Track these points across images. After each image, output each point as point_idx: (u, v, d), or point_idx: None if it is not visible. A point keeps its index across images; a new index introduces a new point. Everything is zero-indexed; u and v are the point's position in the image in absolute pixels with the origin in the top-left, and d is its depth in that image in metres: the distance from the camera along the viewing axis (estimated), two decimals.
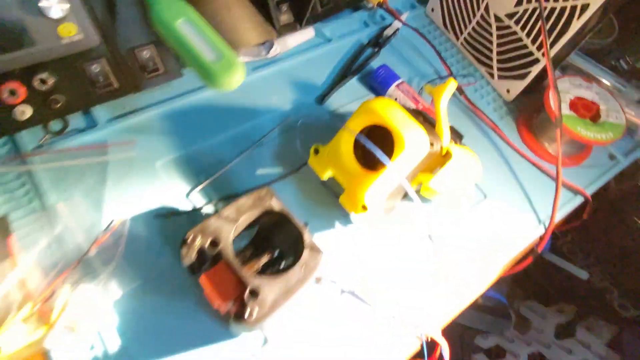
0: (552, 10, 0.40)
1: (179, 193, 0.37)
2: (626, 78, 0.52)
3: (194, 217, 0.36)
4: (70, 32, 0.32)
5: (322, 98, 0.45)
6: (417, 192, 0.37)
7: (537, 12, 0.42)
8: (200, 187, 0.37)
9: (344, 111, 0.45)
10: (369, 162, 0.32)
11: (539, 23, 0.42)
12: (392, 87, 0.44)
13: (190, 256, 0.30)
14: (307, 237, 0.30)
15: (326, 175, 0.34)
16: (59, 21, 0.32)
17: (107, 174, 0.36)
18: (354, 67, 0.48)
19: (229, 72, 0.21)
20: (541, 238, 0.42)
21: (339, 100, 0.45)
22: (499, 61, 0.48)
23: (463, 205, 0.41)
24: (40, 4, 0.30)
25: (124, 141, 0.37)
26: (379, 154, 0.29)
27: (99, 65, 0.35)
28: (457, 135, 0.43)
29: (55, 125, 0.37)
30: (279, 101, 0.44)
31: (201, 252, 0.30)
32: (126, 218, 0.34)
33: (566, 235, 0.90)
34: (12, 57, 0.31)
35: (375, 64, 0.48)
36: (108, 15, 0.34)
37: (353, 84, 0.47)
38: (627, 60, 0.55)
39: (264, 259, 0.32)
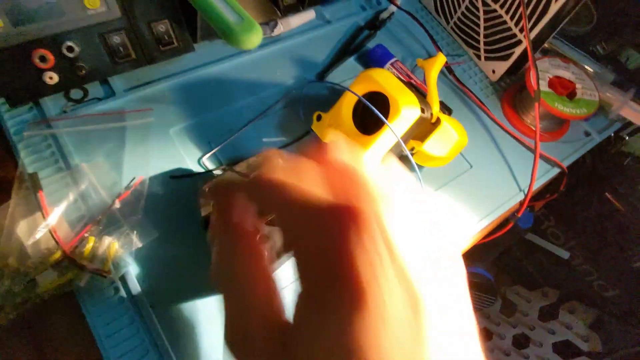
0: None
1: (192, 157, 0.40)
2: (602, 63, 0.57)
3: (206, 178, 0.39)
4: (94, 4, 0.35)
5: (322, 75, 0.48)
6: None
7: None
8: (211, 153, 0.40)
9: (341, 88, 0.48)
10: (366, 129, 0.36)
11: (521, 7, 0.46)
12: (387, 65, 0.48)
13: (207, 206, 0.33)
14: None
15: (328, 138, 0.37)
16: None
17: (125, 139, 0.39)
18: (351, 47, 0.51)
19: (249, 33, 0.24)
20: (521, 203, 0.46)
21: (337, 78, 0.49)
22: (485, 43, 0.52)
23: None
24: None
25: (142, 108, 0.40)
26: (378, 114, 0.33)
27: (119, 36, 0.38)
28: (446, 109, 0.47)
29: (75, 94, 0.40)
30: (282, 76, 0.47)
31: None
32: (145, 177, 0.37)
33: (549, 219, 0.95)
34: (43, 25, 0.34)
35: (371, 45, 0.52)
36: None
37: (351, 63, 0.50)
38: (603, 46, 0.59)
39: None
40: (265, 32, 0.49)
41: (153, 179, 0.38)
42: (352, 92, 0.35)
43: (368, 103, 0.33)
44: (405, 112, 0.33)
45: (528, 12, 0.45)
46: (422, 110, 0.35)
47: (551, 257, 0.99)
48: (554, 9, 0.43)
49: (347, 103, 0.36)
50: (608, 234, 0.85)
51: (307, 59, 0.49)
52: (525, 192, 0.46)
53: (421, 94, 0.39)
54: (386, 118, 0.35)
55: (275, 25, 0.49)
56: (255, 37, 0.24)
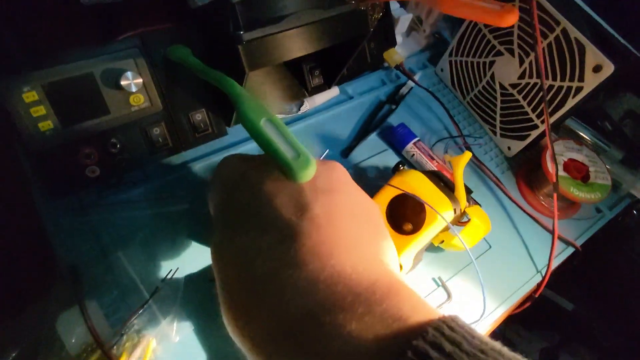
0: (551, 87, 0.46)
1: None
2: (610, 138, 0.59)
3: None
4: (139, 101, 0.37)
5: (346, 152, 0.50)
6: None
7: (538, 86, 0.48)
8: None
9: (366, 165, 0.50)
10: (397, 228, 0.37)
11: (539, 96, 0.48)
12: (410, 145, 0.50)
13: None
14: None
15: None
16: (131, 93, 0.36)
17: (161, 225, 0.40)
18: (373, 122, 0.53)
19: (305, 168, 0.25)
20: (538, 285, 0.47)
21: (361, 155, 0.50)
22: (501, 122, 0.54)
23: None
24: (122, 82, 0.34)
25: (178, 194, 0.41)
26: (435, 211, 0.35)
27: (159, 128, 0.39)
28: (467, 191, 0.49)
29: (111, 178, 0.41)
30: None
31: None
32: (182, 267, 0.38)
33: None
34: (90, 124, 0.35)
35: (393, 119, 0.54)
36: (170, 85, 0.38)
37: (373, 139, 0.52)
38: (611, 122, 0.61)
39: None
40: (292, 110, 0.50)
41: (190, 269, 0.38)
42: (396, 187, 0.36)
43: (422, 200, 0.35)
44: (441, 218, 0.35)
45: (543, 104, 0.47)
46: (455, 211, 0.37)
47: (554, 302, 1.00)
48: (570, 103, 0.45)
49: (384, 198, 0.37)
50: (614, 288, 0.87)
51: (332, 136, 0.51)
52: (543, 274, 0.47)
53: (447, 186, 0.40)
54: (419, 218, 0.36)
55: (302, 103, 0.50)
56: (310, 172, 0.26)
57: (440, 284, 0.44)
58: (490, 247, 0.48)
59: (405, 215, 0.38)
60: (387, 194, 0.38)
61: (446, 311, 0.42)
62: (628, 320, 0.86)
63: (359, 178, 0.48)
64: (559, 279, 0.97)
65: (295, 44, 0.36)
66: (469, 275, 0.46)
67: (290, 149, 0.26)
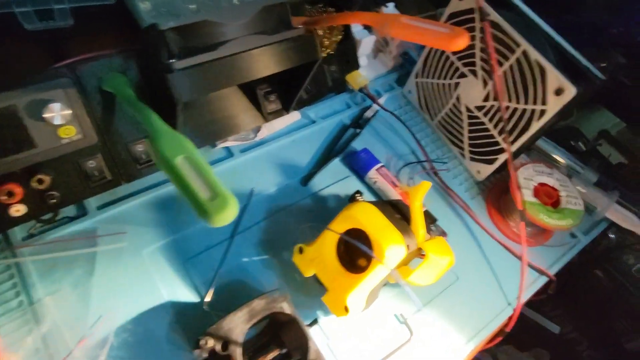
0: (515, 110, 0.45)
1: (166, 283, 0.38)
2: (584, 159, 0.57)
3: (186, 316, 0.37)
4: (70, 134, 0.34)
5: (306, 180, 0.47)
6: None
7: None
8: (209, 295, 0.39)
9: (326, 193, 0.47)
10: (351, 263, 0.35)
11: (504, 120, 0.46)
12: (373, 171, 0.47)
13: (201, 357, 0.31)
14: (312, 345, 0.32)
15: (309, 273, 0.36)
16: (59, 125, 0.33)
17: (95, 264, 0.37)
18: (336, 147, 0.51)
19: (222, 211, 0.23)
20: (510, 319, 0.44)
21: (322, 182, 0.48)
22: (470, 145, 0.52)
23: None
24: (44, 115, 0.32)
25: (115, 232, 0.38)
26: (370, 252, 0.32)
27: (95, 160, 0.36)
28: (430, 219, 0.46)
29: (46, 214, 0.38)
30: (265, 184, 0.46)
31: (212, 353, 0.31)
32: (114, 312, 0.35)
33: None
34: (12, 160, 0.32)
35: (356, 143, 0.52)
36: (106, 115, 0.36)
37: (336, 165, 0.50)
38: (585, 141, 0.60)
39: (272, 354, 0.33)
40: (248, 137, 0.48)
41: (123, 314, 0.35)
42: (334, 231, 0.34)
43: (357, 242, 0.32)
44: (390, 254, 0.32)
45: (510, 127, 0.45)
46: (408, 247, 0.34)
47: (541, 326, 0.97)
48: (535, 126, 0.43)
49: (329, 240, 0.35)
50: (598, 308, 0.85)
51: (291, 162, 0.49)
52: (514, 307, 0.44)
53: (405, 219, 0.38)
54: (368, 251, 0.33)
55: (259, 129, 0.48)
56: (227, 216, 0.23)
57: (402, 320, 0.41)
58: (457, 278, 0.45)
59: (360, 251, 0.36)
60: (330, 236, 0.35)
61: (407, 350, 0.40)
62: (612, 340, 0.84)
63: (318, 208, 0.46)
64: (542, 303, 0.94)
65: (235, 72, 0.34)
66: (434, 310, 0.43)
67: (207, 189, 0.24)
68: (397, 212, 0.38)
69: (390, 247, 0.32)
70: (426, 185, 0.37)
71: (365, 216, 0.34)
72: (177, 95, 0.31)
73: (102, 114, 0.35)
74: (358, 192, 0.41)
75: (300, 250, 0.36)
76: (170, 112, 0.35)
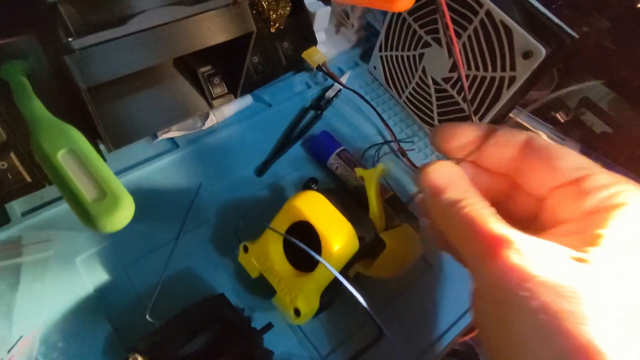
0: (483, 78, 0.40)
1: (103, 294, 0.34)
2: (565, 130, 0.54)
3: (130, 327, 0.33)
4: None
5: (261, 170, 0.43)
6: (357, 274, 0.35)
7: (471, 78, 0.42)
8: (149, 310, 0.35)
9: (284, 183, 0.43)
10: (302, 261, 0.31)
11: (474, 90, 0.42)
12: (333, 156, 0.43)
13: None
14: (259, 354, 0.28)
15: (256, 273, 0.32)
16: None
17: (19, 278, 0.33)
18: (295, 132, 0.47)
19: (110, 213, 0.19)
20: None
21: (280, 170, 0.44)
22: (440, 121, 0.48)
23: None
24: None
25: (40, 240, 0.34)
26: (312, 253, 0.28)
27: (7, 161, 0.32)
28: (398, 204, 0.42)
29: None
30: (215, 176, 0.42)
31: None
32: (39, 330, 0.31)
33: None
34: None
35: (318, 127, 0.48)
36: (13, 109, 0.31)
37: (295, 151, 0.46)
38: (566, 111, 0.56)
39: None
40: (195, 126, 0.44)
41: (53, 330, 0.32)
42: (274, 230, 0.30)
43: (297, 242, 0.28)
44: (341, 250, 0.28)
45: (479, 97, 0.41)
46: (362, 239, 0.30)
47: None
48: (506, 95, 0.39)
49: (274, 236, 0.31)
50: None
51: (246, 151, 0.45)
52: None
53: (364, 206, 0.34)
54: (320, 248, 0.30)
55: (207, 116, 0.44)
56: (119, 219, 0.19)
57: (368, 317, 0.37)
58: (430, 266, 0.42)
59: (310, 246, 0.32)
60: (274, 234, 0.31)
61: (379, 350, 0.36)
62: None
63: (275, 200, 0.42)
64: None
65: (149, 50, 0.29)
66: (409, 302, 0.39)
67: (94, 188, 0.20)
68: (356, 200, 0.34)
69: (341, 244, 0.28)
70: (379, 168, 0.33)
71: (311, 207, 0.30)
72: (77, 80, 0.27)
73: (8, 107, 0.31)
74: (312, 179, 0.37)
75: (245, 249, 0.32)
76: (84, 104, 0.30)
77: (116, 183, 0.20)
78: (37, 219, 0.36)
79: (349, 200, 0.33)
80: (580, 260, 0.19)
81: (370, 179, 0.32)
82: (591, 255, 0.19)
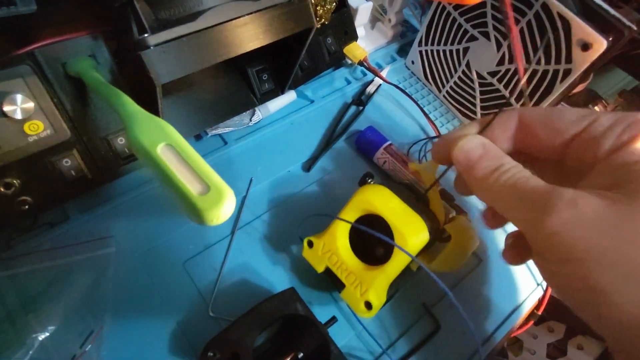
0: (535, 72, 0.40)
1: (166, 286, 0.34)
2: None
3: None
4: (37, 129, 0.30)
5: (308, 165, 0.43)
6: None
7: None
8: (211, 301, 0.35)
9: (333, 178, 0.43)
10: (367, 254, 0.31)
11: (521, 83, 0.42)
12: (381, 150, 0.43)
13: None
14: (334, 348, 0.28)
15: (322, 268, 0.32)
16: (24, 120, 0.29)
17: (82, 274, 0.33)
18: (338, 128, 0.47)
19: (216, 207, 0.19)
20: (540, 301, 0.41)
21: (327, 166, 0.44)
22: (482, 115, 0.48)
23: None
24: (4, 109, 0.27)
25: (101, 236, 0.34)
26: (393, 243, 0.28)
27: (70, 158, 0.32)
28: (448, 199, 0.42)
29: (23, 221, 0.34)
30: (265, 172, 0.42)
31: None
32: (105, 327, 0.31)
33: None
34: None
35: (360, 122, 0.48)
36: (78, 105, 0.31)
37: (340, 146, 0.46)
38: (604, 105, 0.56)
39: (287, 359, 0.30)
40: (242, 122, 0.44)
41: (117, 329, 0.32)
42: (346, 221, 0.30)
43: (375, 232, 0.28)
44: (415, 242, 0.28)
45: (529, 91, 0.41)
46: (431, 231, 0.30)
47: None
48: (558, 89, 0.39)
49: (341, 231, 0.31)
50: None
51: (292, 147, 0.44)
52: (544, 288, 0.41)
53: (422, 200, 0.34)
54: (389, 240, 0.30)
55: (254, 113, 0.44)
56: (224, 212, 0.19)
57: (425, 311, 0.37)
58: (481, 261, 0.42)
59: (375, 240, 0.32)
60: (342, 226, 0.31)
61: (436, 344, 0.36)
62: None
63: (325, 194, 0.42)
64: None
65: (220, 45, 0.29)
66: (459, 298, 0.39)
67: (196, 181, 0.20)
68: (413, 194, 0.34)
69: (413, 233, 0.28)
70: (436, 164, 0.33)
71: (381, 200, 0.30)
72: (154, 76, 0.27)
73: (74, 104, 0.31)
74: (369, 174, 0.36)
75: (310, 244, 0.32)
76: (150, 100, 0.30)
77: (217, 176, 0.20)
78: (95, 216, 0.36)
79: (408, 194, 0.33)
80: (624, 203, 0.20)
81: (427, 173, 0.32)
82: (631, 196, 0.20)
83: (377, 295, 0.30)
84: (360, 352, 0.35)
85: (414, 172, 0.34)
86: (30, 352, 0.29)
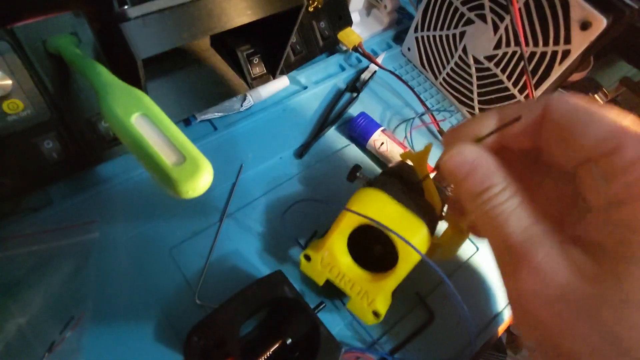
0: (533, 54, 0.39)
1: (152, 273, 0.33)
2: None
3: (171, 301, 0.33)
4: (16, 109, 0.29)
5: (301, 152, 0.42)
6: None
7: (517, 55, 0.41)
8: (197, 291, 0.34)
9: (325, 165, 0.42)
10: (366, 261, 0.30)
11: (520, 66, 0.41)
12: (374, 136, 0.42)
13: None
14: (323, 330, 0.27)
15: (323, 280, 0.31)
16: (2, 98, 0.28)
17: (64, 260, 0.32)
18: (332, 114, 0.46)
19: (192, 177, 0.18)
20: None
21: (320, 152, 0.43)
22: (480, 102, 0.47)
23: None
24: None
25: (85, 221, 0.33)
26: (416, 249, 0.27)
27: (52, 139, 0.31)
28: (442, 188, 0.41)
29: (4, 205, 0.33)
30: (256, 159, 0.41)
31: (206, 350, 0.26)
32: (86, 312, 0.30)
33: None
34: None
35: (354, 109, 0.46)
36: (61, 85, 0.30)
37: (333, 133, 0.45)
38: (604, 93, 0.54)
39: (274, 346, 0.29)
40: (233, 107, 0.43)
41: (99, 315, 0.31)
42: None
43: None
44: (418, 246, 0.27)
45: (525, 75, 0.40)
46: (430, 225, 0.29)
47: None
48: (557, 71, 0.38)
49: (338, 243, 0.30)
50: None
51: (285, 133, 0.43)
52: None
53: (418, 192, 0.32)
54: (390, 247, 0.28)
55: (245, 98, 0.43)
56: (200, 183, 0.18)
57: (419, 301, 0.36)
58: (477, 249, 0.41)
59: (373, 246, 0.31)
60: (340, 236, 0.29)
61: (430, 335, 0.35)
62: None
63: (317, 181, 0.41)
64: None
65: (204, 20, 0.28)
66: (456, 287, 0.38)
67: (172, 151, 0.19)
68: (406, 184, 0.32)
69: (414, 239, 0.27)
70: (428, 147, 0.32)
71: (375, 209, 0.28)
72: (134, 49, 0.26)
73: (55, 84, 0.30)
74: (356, 167, 0.35)
75: (307, 258, 0.31)
76: (134, 81, 0.29)
77: (193, 147, 0.19)
78: (79, 201, 0.35)
79: (401, 187, 0.32)
80: (595, 280, 0.17)
81: (420, 162, 0.31)
82: (606, 276, 0.17)
83: (385, 303, 0.29)
84: (351, 342, 0.34)
85: (407, 160, 0.33)
86: (8, 338, 0.28)
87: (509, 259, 0.19)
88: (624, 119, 0.18)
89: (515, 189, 0.20)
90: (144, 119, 0.20)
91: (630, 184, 0.17)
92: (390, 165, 0.42)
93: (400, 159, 0.38)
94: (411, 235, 0.27)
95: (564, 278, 0.18)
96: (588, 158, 0.19)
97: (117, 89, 0.21)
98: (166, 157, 0.18)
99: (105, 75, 0.22)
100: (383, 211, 0.28)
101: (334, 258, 0.29)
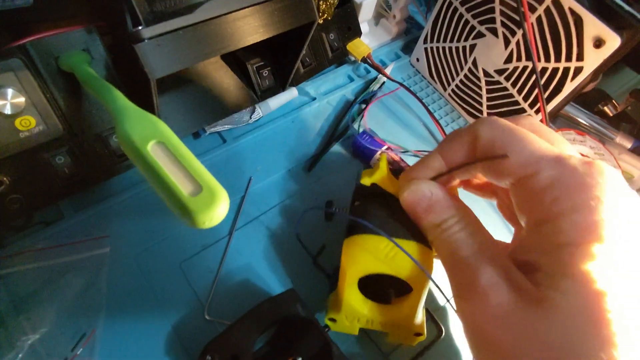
0: (544, 70, 0.39)
1: (162, 288, 0.33)
2: (614, 124, 0.52)
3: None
4: (29, 125, 0.29)
5: (309, 165, 0.42)
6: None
7: (529, 70, 0.40)
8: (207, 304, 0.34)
9: (334, 177, 0.42)
10: (384, 296, 0.30)
11: (530, 81, 0.40)
12: (377, 156, 0.42)
13: None
14: (335, 350, 0.27)
15: (356, 331, 0.31)
16: (15, 115, 0.28)
17: (76, 274, 0.32)
18: (341, 126, 0.46)
19: (208, 208, 0.18)
20: None
21: (329, 164, 0.43)
22: (489, 114, 0.47)
23: None
24: None
25: (96, 236, 0.33)
26: (429, 274, 0.27)
27: (63, 155, 0.31)
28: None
29: (16, 220, 0.33)
30: (264, 171, 0.41)
31: None
32: (98, 328, 0.30)
33: None
34: None
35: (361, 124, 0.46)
36: (72, 101, 0.31)
37: (342, 145, 0.45)
38: (614, 105, 0.54)
39: None
40: (242, 120, 0.43)
41: (110, 331, 0.31)
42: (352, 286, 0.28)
43: (420, 265, 0.26)
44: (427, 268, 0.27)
45: (537, 90, 0.40)
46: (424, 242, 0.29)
47: None
48: (569, 87, 0.38)
49: (350, 293, 0.29)
50: None
51: (293, 145, 0.43)
52: None
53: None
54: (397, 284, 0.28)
55: (254, 110, 0.43)
56: (217, 213, 0.18)
57: (428, 316, 0.36)
58: None
59: (384, 282, 0.30)
60: (354, 290, 0.29)
61: (439, 350, 0.35)
62: None
63: (327, 195, 0.41)
64: None
65: (218, 39, 0.28)
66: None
67: (188, 181, 0.19)
68: (384, 197, 0.30)
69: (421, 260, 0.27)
70: (384, 158, 0.32)
71: (374, 258, 0.27)
72: (148, 70, 0.26)
73: (67, 100, 0.30)
74: (329, 204, 0.35)
75: (333, 320, 0.30)
76: (146, 96, 0.29)
77: (210, 177, 0.19)
78: (90, 215, 0.35)
79: (378, 211, 0.29)
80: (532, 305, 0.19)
81: (384, 180, 0.31)
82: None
83: (421, 323, 0.29)
84: (361, 358, 0.34)
85: (371, 184, 0.31)
86: (20, 355, 0.28)
87: (460, 281, 0.22)
88: (541, 143, 0.21)
89: (468, 221, 0.23)
90: (160, 146, 0.20)
91: (549, 204, 0.20)
92: (358, 181, 0.39)
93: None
94: (410, 263, 0.27)
95: (504, 299, 0.19)
96: (514, 181, 0.22)
97: (132, 115, 0.20)
98: (183, 187, 0.18)
99: (120, 100, 0.22)
100: (377, 254, 0.27)
101: (355, 311, 0.29)
